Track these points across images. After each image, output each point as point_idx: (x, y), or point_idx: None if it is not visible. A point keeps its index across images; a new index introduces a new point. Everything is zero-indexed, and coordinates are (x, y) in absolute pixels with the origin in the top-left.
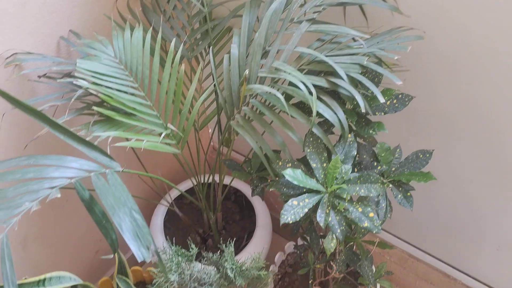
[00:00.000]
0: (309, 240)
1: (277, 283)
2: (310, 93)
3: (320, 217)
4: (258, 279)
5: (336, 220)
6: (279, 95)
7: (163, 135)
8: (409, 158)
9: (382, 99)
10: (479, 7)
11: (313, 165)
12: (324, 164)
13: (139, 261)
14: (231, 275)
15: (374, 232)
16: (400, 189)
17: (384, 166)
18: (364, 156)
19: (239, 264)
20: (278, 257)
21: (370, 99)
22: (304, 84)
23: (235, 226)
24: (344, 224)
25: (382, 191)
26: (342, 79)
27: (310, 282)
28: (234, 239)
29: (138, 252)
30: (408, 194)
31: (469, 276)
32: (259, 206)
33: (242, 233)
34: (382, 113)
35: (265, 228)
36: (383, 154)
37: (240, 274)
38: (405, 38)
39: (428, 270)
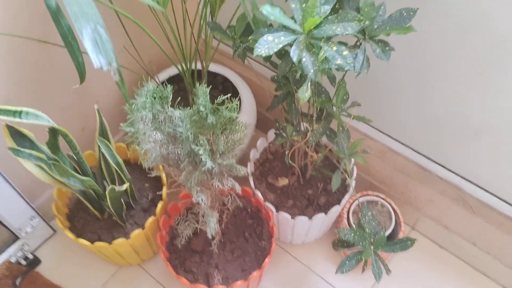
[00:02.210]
0: (287, 111)
1: (258, 168)
2: None
3: (293, 53)
4: (232, 127)
5: (310, 61)
6: None
7: None
8: (392, 16)
9: None
10: None
11: (292, 6)
12: (304, 5)
13: (95, 66)
14: (203, 110)
15: (346, 69)
16: (380, 44)
17: (366, 22)
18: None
19: (210, 104)
20: (260, 143)
21: None
22: None
23: None
24: (317, 65)
25: (357, 29)
26: None
27: (286, 153)
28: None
29: (96, 59)
30: (387, 48)
31: (445, 168)
32: (245, 94)
33: None
34: None
35: (249, 115)
36: (366, 9)
37: (212, 112)
38: None
39: (405, 163)
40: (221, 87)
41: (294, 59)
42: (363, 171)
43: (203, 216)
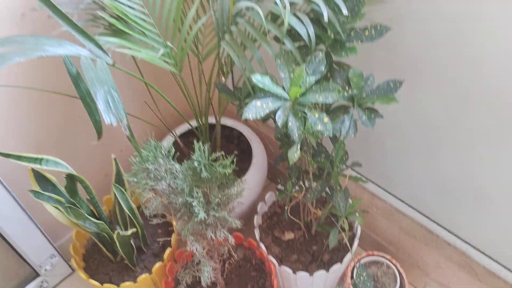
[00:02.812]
0: (288, 168)
1: (265, 221)
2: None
3: (278, 118)
4: (228, 181)
5: (295, 125)
6: (257, 8)
7: (161, 50)
8: (380, 86)
9: (345, 11)
10: None
11: (282, 75)
12: (292, 75)
13: (106, 123)
14: (197, 166)
15: (325, 135)
16: (366, 111)
17: (355, 91)
18: (338, 80)
19: (207, 161)
20: (269, 197)
21: (346, 23)
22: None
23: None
24: (302, 129)
25: (337, 98)
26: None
27: (286, 208)
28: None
29: (107, 117)
30: (372, 116)
31: (452, 233)
32: (257, 148)
33: (239, 173)
34: (360, 41)
35: (259, 168)
36: (355, 80)
37: (206, 167)
38: None
39: (412, 225)
40: (237, 141)
41: (279, 123)
42: (372, 231)
43: (198, 264)
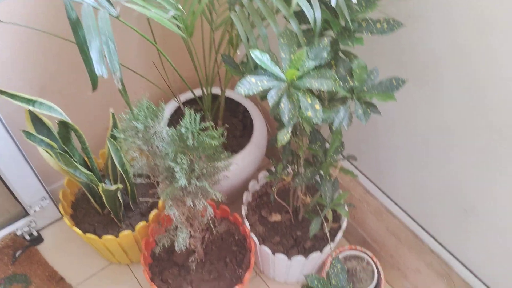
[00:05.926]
0: (282, 152)
1: (255, 199)
2: None
3: (271, 98)
4: (215, 153)
5: (288, 107)
6: None
7: (171, 12)
8: (382, 82)
9: None
10: None
11: (282, 55)
12: (292, 56)
13: (97, 74)
14: (184, 133)
15: (314, 122)
16: (363, 105)
17: (356, 83)
18: (341, 69)
19: (196, 128)
20: (262, 176)
21: (358, 12)
22: None
23: (234, 140)
24: (293, 113)
25: (332, 86)
26: None
27: (273, 189)
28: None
29: (98, 68)
30: (368, 111)
31: (436, 240)
32: (259, 126)
33: (237, 149)
34: (369, 33)
35: (257, 146)
36: (358, 71)
37: (194, 136)
38: None
39: (399, 227)
40: (241, 116)
41: (270, 103)
42: (359, 226)
43: (175, 229)
